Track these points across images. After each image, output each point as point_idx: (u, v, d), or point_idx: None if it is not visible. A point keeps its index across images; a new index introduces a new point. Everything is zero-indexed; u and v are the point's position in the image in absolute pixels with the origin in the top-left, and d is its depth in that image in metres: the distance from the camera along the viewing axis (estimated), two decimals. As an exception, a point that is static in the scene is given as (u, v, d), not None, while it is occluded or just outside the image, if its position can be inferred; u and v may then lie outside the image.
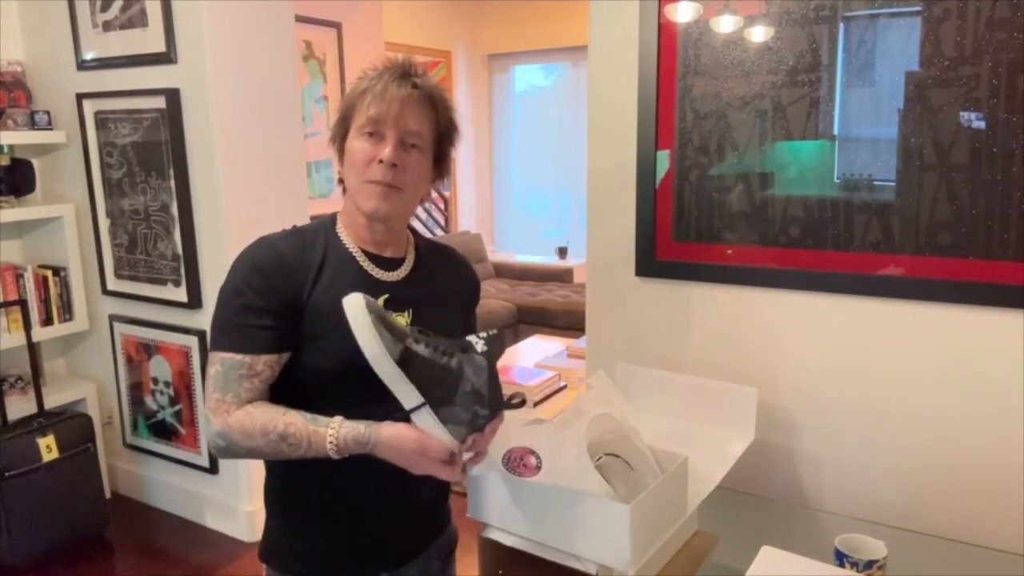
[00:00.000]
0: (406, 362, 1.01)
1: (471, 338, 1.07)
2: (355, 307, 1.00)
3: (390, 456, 1.06)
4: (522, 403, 1.15)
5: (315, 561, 1.19)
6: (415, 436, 1.05)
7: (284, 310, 1.09)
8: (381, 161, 1.09)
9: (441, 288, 1.24)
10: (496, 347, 1.08)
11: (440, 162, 1.19)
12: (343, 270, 1.14)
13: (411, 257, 1.22)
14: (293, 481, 1.19)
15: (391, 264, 1.18)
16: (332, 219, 1.20)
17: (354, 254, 1.16)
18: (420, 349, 1.02)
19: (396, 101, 1.09)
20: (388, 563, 1.23)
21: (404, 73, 1.11)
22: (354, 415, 1.09)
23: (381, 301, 1.13)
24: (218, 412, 1.08)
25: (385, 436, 1.05)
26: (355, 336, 1.00)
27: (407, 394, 1.03)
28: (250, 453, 1.08)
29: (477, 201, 6.67)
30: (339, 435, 1.05)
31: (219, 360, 1.09)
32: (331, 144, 1.18)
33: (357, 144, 1.11)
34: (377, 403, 1.13)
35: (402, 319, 1.15)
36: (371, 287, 1.14)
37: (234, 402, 1.08)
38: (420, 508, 1.25)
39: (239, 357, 1.08)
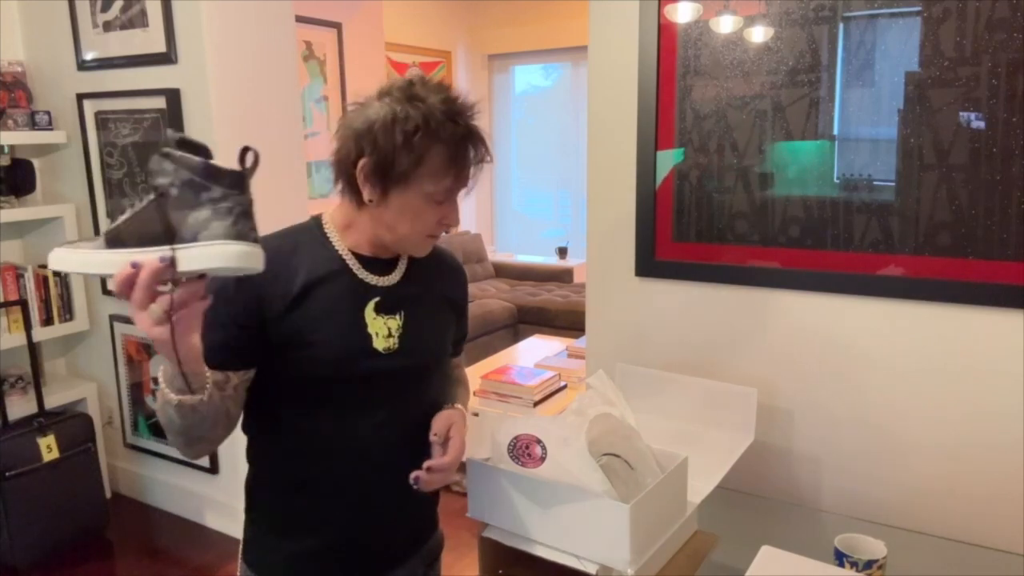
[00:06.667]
0: (118, 241, 0.85)
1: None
2: (61, 260, 0.86)
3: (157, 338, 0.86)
4: (255, 163, 0.86)
5: (295, 568, 1.18)
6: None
7: (249, 324, 1.05)
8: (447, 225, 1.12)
9: (434, 290, 1.23)
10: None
11: None
12: (331, 276, 1.10)
13: (405, 259, 1.20)
14: (272, 488, 1.18)
15: (384, 267, 1.16)
16: (317, 221, 1.16)
17: (345, 259, 1.12)
18: (120, 220, 0.86)
19: (471, 174, 1.11)
20: (372, 570, 1.21)
21: (470, 132, 1.11)
22: (355, 419, 1.11)
23: (372, 304, 1.12)
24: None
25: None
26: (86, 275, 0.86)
27: (150, 254, 0.84)
28: (169, 431, 1.01)
29: (477, 201, 6.66)
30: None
31: None
32: (364, 175, 1.05)
33: (423, 206, 1.07)
34: (378, 407, 1.13)
35: (394, 323, 1.14)
36: (362, 292, 1.12)
37: None
38: (405, 515, 1.23)
39: None
